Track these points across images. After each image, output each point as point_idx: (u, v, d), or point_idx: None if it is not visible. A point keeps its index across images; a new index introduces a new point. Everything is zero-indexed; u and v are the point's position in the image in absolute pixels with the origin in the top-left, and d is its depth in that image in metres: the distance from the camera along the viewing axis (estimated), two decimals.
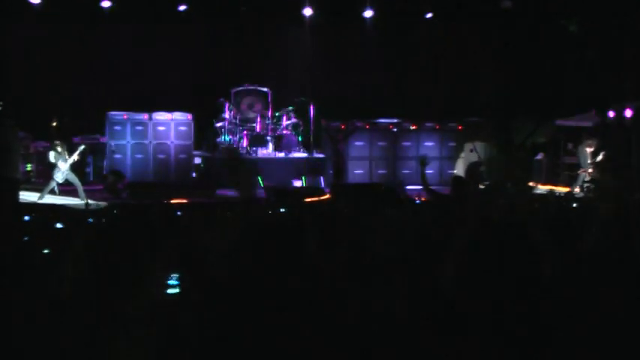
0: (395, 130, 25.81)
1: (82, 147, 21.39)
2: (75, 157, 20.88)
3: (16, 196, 18.54)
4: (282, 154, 24.95)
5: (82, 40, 24.66)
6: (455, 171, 24.78)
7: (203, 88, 25.49)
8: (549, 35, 25.84)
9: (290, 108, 25.36)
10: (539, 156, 26.14)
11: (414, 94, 25.73)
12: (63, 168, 20.62)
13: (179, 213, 13.31)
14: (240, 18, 25.66)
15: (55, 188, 20.76)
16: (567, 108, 25.62)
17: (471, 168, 21.93)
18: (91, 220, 12.74)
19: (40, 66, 24.33)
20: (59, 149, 20.79)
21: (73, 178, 20.67)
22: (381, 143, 25.64)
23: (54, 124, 24.02)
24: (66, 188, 20.98)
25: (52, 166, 20.78)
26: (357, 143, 25.31)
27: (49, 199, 20.16)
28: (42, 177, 22.84)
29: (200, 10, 25.16)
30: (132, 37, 25.04)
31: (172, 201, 18.57)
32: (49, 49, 24.42)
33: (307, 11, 24.96)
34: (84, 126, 24.15)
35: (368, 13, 25.46)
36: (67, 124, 23.99)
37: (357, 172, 25.07)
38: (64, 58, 24.41)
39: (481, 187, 19.41)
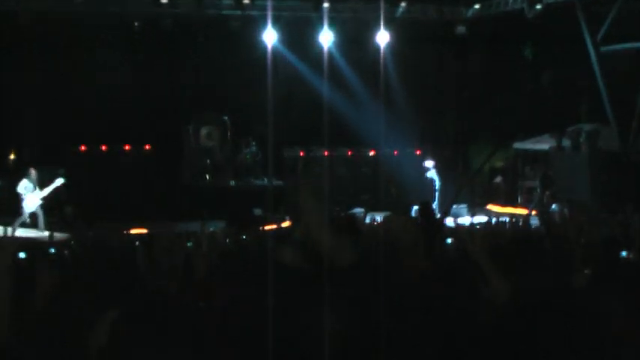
0: (353, 156, 25.84)
1: (61, 180, 21.06)
2: (51, 189, 20.62)
3: None
4: (241, 183, 24.82)
5: (40, 71, 24.35)
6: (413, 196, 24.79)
7: (162, 118, 25.35)
8: (504, 60, 26.03)
9: (249, 137, 25.29)
10: (498, 179, 26.29)
11: (372, 121, 25.69)
12: (33, 199, 20.34)
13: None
14: (198, 48, 25.56)
15: (27, 220, 20.49)
16: (524, 131, 25.76)
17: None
18: (52, 250, 12.61)
19: None
20: (32, 179, 20.52)
21: (40, 210, 20.42)
22: (340, 170, 25.64)
23: (11, 156, 23.79)
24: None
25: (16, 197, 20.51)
26: (317, 170, 25.28)
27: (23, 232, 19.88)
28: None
29: (158, 40, 25.06)
30: (89, 68, 24.68)
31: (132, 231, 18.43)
32: (9, 79, 24.06)
33: (268, 39, 24.72)
34: (43, 158, 23.87)
35: (325, 40, 25.32)
36: (25, 155, 23.78)
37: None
38: (22, 88, 24.10)
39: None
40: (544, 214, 22.15)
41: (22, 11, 23.30)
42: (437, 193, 24.30)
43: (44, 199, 20.57)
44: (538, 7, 23.50)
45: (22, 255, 10.13)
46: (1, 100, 23.98)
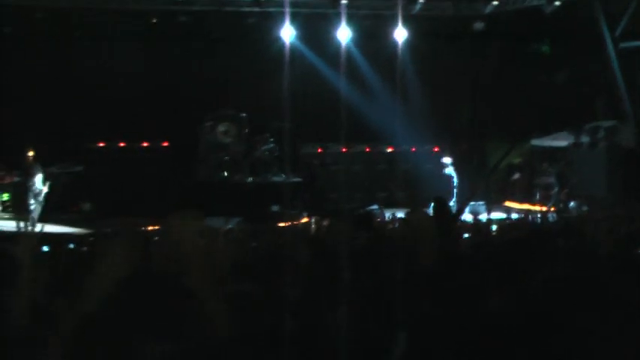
0: (371, 153, 25.81)
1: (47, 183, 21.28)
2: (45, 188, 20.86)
3: None
4: (258, 179, 24.79)
5: (57, 67, 24.35)
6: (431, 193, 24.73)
7: (179, 115, 25.37)
8: (522, 57, 25.92)
9: (266, 133, 25.27)
10: (515, 176, 26.20)
11: (389, 117, 25.58)
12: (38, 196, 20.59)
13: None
14: (216, 44, 25.55)
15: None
16: (541, 128, 25.68)
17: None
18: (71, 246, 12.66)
19: (15, 93, 24.00)
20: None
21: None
22: (357, 166, 25.61)
23: (30, 153, 23.83)
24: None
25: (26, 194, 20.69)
26: (334, 167, 25.26)
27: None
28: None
29: (176, 37, 25.09)
30: (106, 65, 24.64)
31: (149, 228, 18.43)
32: (25, 76, 24.07)
33: (286, 35, 24.71)
34: (60, 155, 23.93)
35: (343, 36, 25.28)
36: (44, 153, 23.82)
37: (333, 195, 24.98)
38: (40, 85, 24.11)
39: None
40: (562, 210, 22.14)
41: (39, 7, 23.36)
42: (455, 190, 24.25)
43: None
44: (557, 3, 23.42)
45: (45, 249, 10.23)
46: (19, 97, 24.01)
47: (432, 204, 13.75)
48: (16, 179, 23.46)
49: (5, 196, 23.24)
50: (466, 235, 10.28)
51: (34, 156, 23.19)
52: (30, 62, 24.04)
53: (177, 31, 25.14)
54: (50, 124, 24.07)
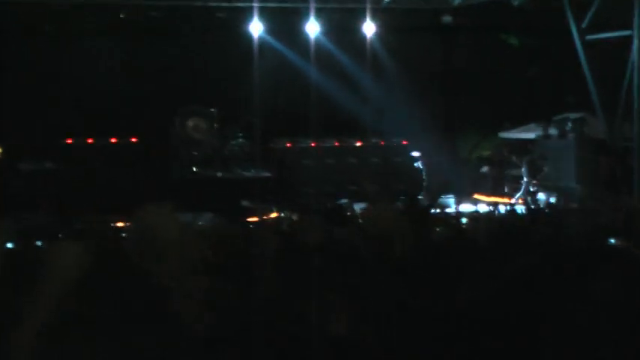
0: (340, 147, 25.82)
1: None
2: None
3: None
4: (228, 174, 24.69)
5: (25, 63, 24.09)
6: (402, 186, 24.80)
7: (149, 111, 25.26)
8: (490, 49, 26.00)
9: (236, 128, 25.21)
10: (484, 169, 26.27)
11: (356, 111, 25.57)
12: None
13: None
14: (185, 39, 25.43)
15: None
16: (510, 121, 25.80)
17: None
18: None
19: None
20: None
21: None
22: (327, 161, 25.60)
23: None
24: None
25: None
26: (304, 161, 25.23)
27: None
28: None
29: (144, 32, 24.95)
30: (74, 60, 24.38)
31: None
32: None
33: (254, 29, 24.73)
34: (30, 152, 23.79)
35: (311, 30, 25.30)
36: (12, 150, 23.69)
37: (303, 189, 24.98)
38: (8, 81, 23.86)
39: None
40: (531, 202, 22.26)
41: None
42: (423, 184, 24.36)
43: None
44: None
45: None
46: None
47: (402, 198, 13.77)
48: None
49: None
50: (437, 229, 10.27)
51: (2, 154, 23.11)
52: None
53: (146, 26, 25.01)
54: (19, 120, 23.85)
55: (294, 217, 15.02)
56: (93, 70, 24.70)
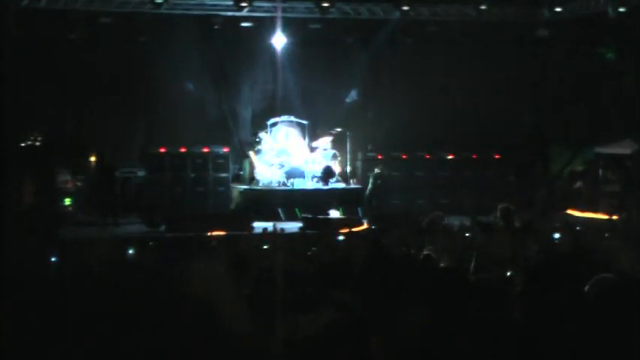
0: (431, 160, 25.79)
1: None
2: None
3: None
4: (319, 185, 24.81)
5: (116, 73, 24.44)
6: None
7: (238, 121, 25.64)
8: (586, 63, 25.68)
9: (327, 139, 25.32)
10: (578, 184, 25.95)
11: (450, 123, 25.44)
12: None
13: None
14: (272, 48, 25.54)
15: None
16: (605, 135, 25.44)
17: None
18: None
19: (77, 99, 24.21)
20: None
21: None
22: (419, 173, 25.58)
23: (93, 158, 24.20)
24: None
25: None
26: (395, 173, 25.23)
27: None
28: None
29: (232, 39, 25.15)
30: (163, 70, 24.64)
31: (210, 233, 18.59)
32: (86, 82, 24.15)
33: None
34: (123, 160, 24.23)
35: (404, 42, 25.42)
36: (107, 158, 24.15)
37: (394, 202, 25.00)
38: (102, 90, 24.23)
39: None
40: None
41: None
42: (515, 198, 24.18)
43: None
44: (621, 9, 23.19)
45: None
46: (81, 103, 24.25)
47: (499, 212, 13.66)
48: (78, 184, 23.78)
49: (67, 201, 23.49)
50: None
51: (97, 161, 23.60)
52: (91, 69, 24.16)
53: (235, 38, 25.22)
54: (113, 129, 24.28)
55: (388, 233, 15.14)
56: (184, 79, 25.12)
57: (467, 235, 14.42)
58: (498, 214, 13.12)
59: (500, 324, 5.14)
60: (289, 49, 24.98)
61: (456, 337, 4.95)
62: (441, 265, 8.57)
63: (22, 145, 22.30)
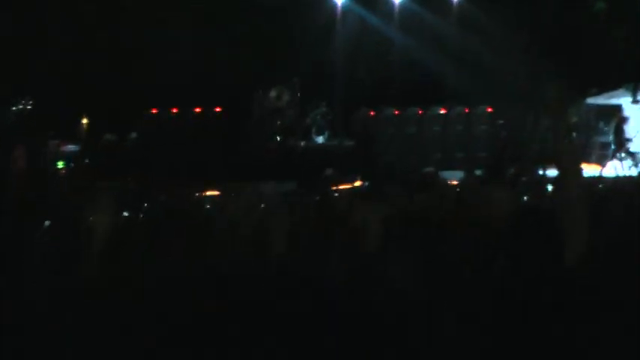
0: (424, 115, 25.80)
1: None
2: None
3: None
4: (312, 143, 24.87)
5: (110, 33, 24.34)
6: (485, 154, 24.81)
7: (232, 81, 25.55)
8: (576, 14, 25.67)
9: (319, 98, 25.34)
10: (572, 135, 26.00)
11: (443, 78, 25.45)
12: None
13: None
14: (263, 3, 25.42)
15: None
16: (598, 86, 25.47)
17: (502, 150, 21.92)
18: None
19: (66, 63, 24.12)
20: None
21: None
22: (410, 129, 25.62)
23: (84, 121, 24.19)
24: None
25: None
26: (387, 130, 25.29)
27: None
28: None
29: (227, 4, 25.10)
30: (152, 29, 24.51)
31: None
32: (75, 46, 24.08)
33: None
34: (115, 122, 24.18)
35: None
36: (97, 120, 24.14)
37: (387, 158, 25.07)
38: (93, 54, 24.14)
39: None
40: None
41: None
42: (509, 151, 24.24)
43: None
44: None
45: None
46: (69, 66, 24.16)
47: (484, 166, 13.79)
48: (70, 147, 23.78)
49: (60, 164, 23.51)
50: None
51: (89, 124, 23.58)
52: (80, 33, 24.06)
53: None
54: (103, 92, 24.23)
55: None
56: (175, 43, 24.98)
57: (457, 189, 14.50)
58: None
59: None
60: None
61: None
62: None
63: (14, 109, 22.31)
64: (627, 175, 20.81)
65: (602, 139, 24.99)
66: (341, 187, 19.17)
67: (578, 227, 5.02)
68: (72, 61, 24.00)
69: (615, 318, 4.82)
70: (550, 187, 15.10)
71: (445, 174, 19.08)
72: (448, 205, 8.08)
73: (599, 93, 25.55)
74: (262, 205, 13.05)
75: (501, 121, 24.99)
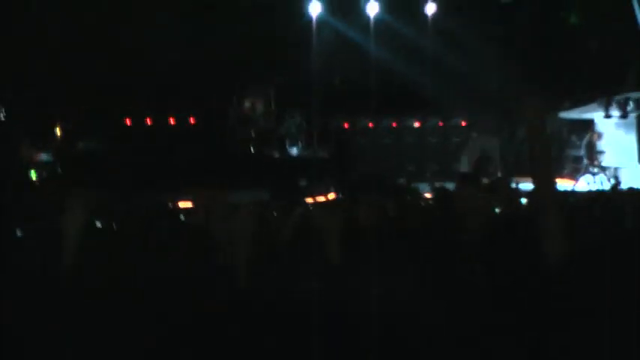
0: (398, 127, 25.87)
1: None
2: None
3: None
4: (285, 154, 24.89)
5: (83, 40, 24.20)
6: (459, 167, 24.92)
7: (206, 90, 25.45)
8: (550, 27, 25.83)
9: (293, 107, 25.34)
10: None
11: (417, 89, 25.49)
12: None
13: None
14: (238, 11, 25.40)
15: None
16: (570, 100, 25.62)
17: (477, 163, 22.01)
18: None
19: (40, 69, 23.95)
20: None
21: None
22: (385, 141, 25.67)
23: (57, 129, 24.05)
24: None
25: None
26: (362, 141, 25.35)
27: None
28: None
29: (199, 3, 25.01)
30: (129, 36, 24.39)
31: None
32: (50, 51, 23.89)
33: (312, 7, 24.76)
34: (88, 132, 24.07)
35: (371, 7, 25.32)
36: (70, 129, 24.00)
37: (361, 170, 25.10)
38: (65, 58, 23.93)
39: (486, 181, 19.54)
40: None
41: None
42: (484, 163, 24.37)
43: None
44: None
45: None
46: (39, 71, 23.93)
47: (460, 178, 13.82)
48: (42, 156, 23.61)
49: (33, 174, 23.33)
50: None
51: (62, 133, 23.41)
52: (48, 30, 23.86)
53: (202, 4, 25.10)
54: (77, 100, 24.08)
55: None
56: (152, 47, 24.82)
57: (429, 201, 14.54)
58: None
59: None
60: None
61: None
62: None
63: None
64: (600, 189, 20.93)
65: (575, 152, 25.15)
66: (316, 198, 19.21)
67: (554, 232, 5.09)
68: (44, 64, 23.75)
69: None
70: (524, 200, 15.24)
71: (420, 186, 19.11)
72: (419, 215, 8.09)
73: (571, 107, 25.72)
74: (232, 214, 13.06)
75: (475, 134, 25.04)
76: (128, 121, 24.50)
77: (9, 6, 23.00)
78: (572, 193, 17.78)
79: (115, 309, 5.20)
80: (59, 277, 5.46)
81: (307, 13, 24.84)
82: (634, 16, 22.88)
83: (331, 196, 21.84)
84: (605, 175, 22.98)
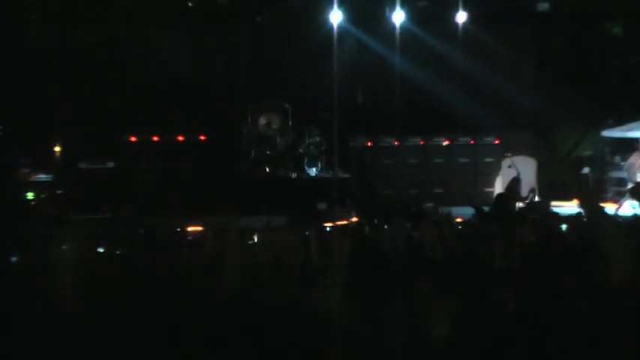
0: (425, 146, 25.51)
1: None
2: None
3: None
4: (303, 175, 24.66)
5: (88, 55, 24.20)
6: (492, 189, 24.61)
7: (218, 106, 25.26)
8: (591, 40, 25.57)
9: (312, 125, 25.11)
10: (585, 170, 25.84)
11: (446, 107, 25.21)
12: None
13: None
14: (257, 27, 25.38)
15: None
16: (614, 118, 25.34)
17: (510, 185, 21.69)
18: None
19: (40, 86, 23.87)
20: None
21: None
22: (411, 161, 25.32)
23: (57, 149, 23.91)
24: None
25: None
26: (386, 161, 25.05)
27: None
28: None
29: (213, 19, 24.96)
30: (137, 53, 24.42)
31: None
32: (51, 67, 23.90)
33: (334, 19, 24.56)
34: (91, 150, 23.93)
35: (397, 18, 25.10)
36: (72, 148, 23.88)
37: (386, 192, 24.76)
38: (68, 76, 23.95)
39: (521, 204, 19.23)
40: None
41: None
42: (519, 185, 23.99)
43: None
44: None
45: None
46: (45, 90, 23.92)
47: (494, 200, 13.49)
48: (41, 177, 23.46)
49: (30, 195, 23.16)
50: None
51: (62, 152, 23.29)
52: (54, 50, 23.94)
53: (215, 14, 25.03)
54: (79, 117, 23.98)
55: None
56: (158, 62, 24.78)
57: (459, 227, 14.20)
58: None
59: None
60: None
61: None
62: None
63: None
64: None
65: (618, 174, 24.83)
66: (337, 222, 18.89)
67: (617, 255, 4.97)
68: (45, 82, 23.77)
69: None
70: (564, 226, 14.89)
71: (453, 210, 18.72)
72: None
73: (615, 125, 25.42)
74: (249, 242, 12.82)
75: (509, 153, 24.64)
76: (133, 139, 24.25)
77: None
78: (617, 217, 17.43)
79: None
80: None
81: (328, 23, 24.63)
82: None
83: (354, 220, 21.54)
84: None
